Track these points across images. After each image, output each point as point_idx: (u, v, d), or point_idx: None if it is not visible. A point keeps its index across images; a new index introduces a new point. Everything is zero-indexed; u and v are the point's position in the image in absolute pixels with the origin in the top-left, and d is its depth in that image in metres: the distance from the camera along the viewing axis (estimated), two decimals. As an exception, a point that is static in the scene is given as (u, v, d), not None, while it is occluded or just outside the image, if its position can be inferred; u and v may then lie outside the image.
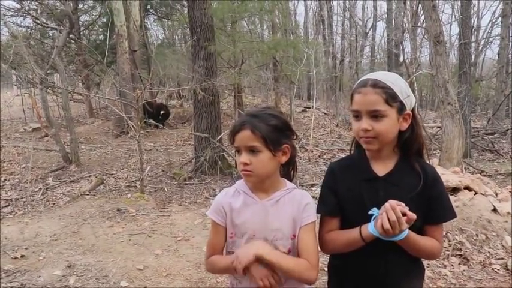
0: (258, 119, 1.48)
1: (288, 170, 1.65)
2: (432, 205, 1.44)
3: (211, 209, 1.61)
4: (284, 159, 1.54)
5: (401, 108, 1.42)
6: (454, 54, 19.67)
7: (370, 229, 1.37)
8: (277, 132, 1.49)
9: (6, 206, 6.45)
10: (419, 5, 10.28)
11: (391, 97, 1.40)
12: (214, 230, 1.61)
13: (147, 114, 12.41)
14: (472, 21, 16.47)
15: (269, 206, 1.54)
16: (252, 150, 1.46)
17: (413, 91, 7.67)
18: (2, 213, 6.02)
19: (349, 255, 1.51)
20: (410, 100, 1.45)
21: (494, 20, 20.28)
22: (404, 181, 1.44)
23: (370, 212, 1.38)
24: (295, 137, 1.59)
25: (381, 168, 1.50)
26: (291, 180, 1.65)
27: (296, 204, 1.56)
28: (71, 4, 13.79)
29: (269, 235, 1.53)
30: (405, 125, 1.45)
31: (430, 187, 1.44)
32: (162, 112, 13.86)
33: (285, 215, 1.54)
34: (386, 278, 1.50)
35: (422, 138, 1.50)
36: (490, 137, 11.48)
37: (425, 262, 3.85)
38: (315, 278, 1.51)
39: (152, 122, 11.60)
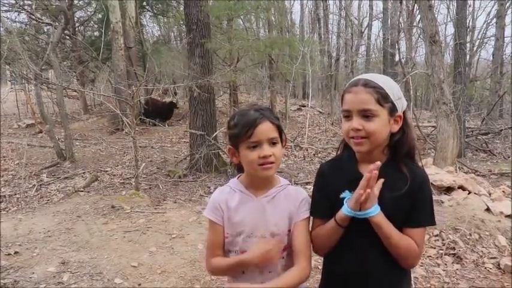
0: (267, 112, 1.50)
1: None
2: (414, 208, 1.44)
3: (207, 208, 1.60)
4: (283, 151, 1.57)
5: (392, 110, 1.42)
6: (449, 54, 19.72)
7: (344, 210, 1.41)
8: (281, 125, 1.53)
9: (-1, 202, 6.42)
10: (415, 5, 10.30)
11: (382, 97, 1.40)
12: (212, 229, 1.59)
13: (154, 113, 12.56)
14: (467, 21, 16.52)
15: (266, 202, 1.55)
16: (273, 142, 1.47)
17: (408, 91, 7.73)
18: (-5, 210, 6.00)
19: (337, 257, 1.55)
20: (401, 102, 1.46)
21: (489, 21, 20.34)
22: (389, 182, 1.41)
23: (341, 196, 1.42)
24: None
25: (368, 169, 1.48)
26: None
27: (292, 201, 1.57)
28: (66, 0, 13.70)
29: (267, 232, 1.54)
30: (396, 127, 1.45)
31: (415, 190, 1.43)
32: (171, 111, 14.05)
33: (282, 211, 1.55)
34: (370, 278, 1.51)
35: (414, 141, 1.50)
36: (484, 137, 11.53)
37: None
38: (310, 273, 1.56)
39: (155, 121, 11.62)
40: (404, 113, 1.48)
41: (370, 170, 1.34)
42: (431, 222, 1.47)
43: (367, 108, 1.39)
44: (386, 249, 1.43)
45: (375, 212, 1.38)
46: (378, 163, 1.34)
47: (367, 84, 1.41)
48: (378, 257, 1.47)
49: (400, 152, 1.47)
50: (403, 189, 1.41)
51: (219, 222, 1.57)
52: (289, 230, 1.56)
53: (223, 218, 1.57)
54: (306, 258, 1.53)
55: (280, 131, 1.50)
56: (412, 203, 1.43)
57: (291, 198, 1.57)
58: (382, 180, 1.38)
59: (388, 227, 1.40)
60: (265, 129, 1.45)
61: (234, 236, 1.56)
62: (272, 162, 1.46)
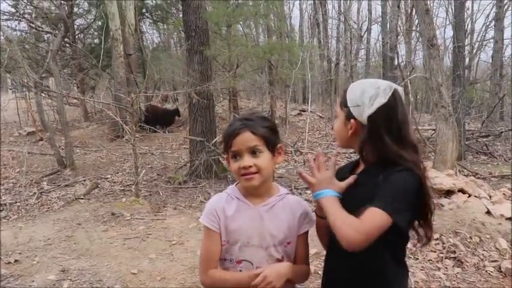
0: (253, 121, 1.49)
1: None
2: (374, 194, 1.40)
3: (204, 215, 1.57)
4: (280, 159, 1.56)
5: (348, 115, 1.49)
6: (449, 57, 19.75)
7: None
8: (272, 133, 1.51)
9: (0, 211, 6.41)
10: (413, 9, 10.33)
11: (343, 102, 1.52)
12: (208, 237, 1.56)
13: (154, 120, 12.65)
14: (466, 24, 16.58)
15: (264, 211, 1.54)
16: (254, 152, 1.45)
17: (406, 94, 7.65)
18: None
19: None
20: (359, 110, 1.46)
21: (488, 23, 20.40)
22: (364, 182, 1.47)
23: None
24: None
25: (358, 171, 1.55)
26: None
27: (291, 212, 1.57)
28: (66, 8, 13.78)
29: (263, 242, 1.53)
30: (350, 132, 1.49)
31: (382, 180, 1.40)
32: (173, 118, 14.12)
33: (280, 221, 1.55)
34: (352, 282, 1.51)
35: (383, 152, 1.43)
36: (484, 139, 11.51)
37: (419, 265, 3.88)
38: (309, 276, 1.68)
39: (155, 128, 11.68)
40: (370, 120, 1.44)
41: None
42: (385, 208, 1.32)
43: (335, 110, 1.60)
44: (373, 252, 1.39)
45: (322, 194, 1.44)
46: (318, 149, 1.46)
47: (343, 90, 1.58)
48: (360, 260, 1.45)
49: (367, 156, 1.48)
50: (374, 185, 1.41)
51: (216, 230, 1.54)
52: (288, 243, 1.57)
53: (220, 226, 1.54)
54: (307, 264, 1.64)
55: (266, 140, 1.47)
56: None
57: (291, 209, 1.57)
58: (353, 176, 1.50)
59: (332, 207, 1.39)
60: (244, 139, 1.45)
61: (230, 244, 1.55)
62: (255, 173, 1.46)
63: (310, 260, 1.71)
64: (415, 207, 1.41)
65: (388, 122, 1.42)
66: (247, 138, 1.45)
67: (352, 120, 1.47)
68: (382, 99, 1.43)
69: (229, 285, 1.53)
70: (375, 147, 1.45)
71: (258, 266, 1.53)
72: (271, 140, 1.50)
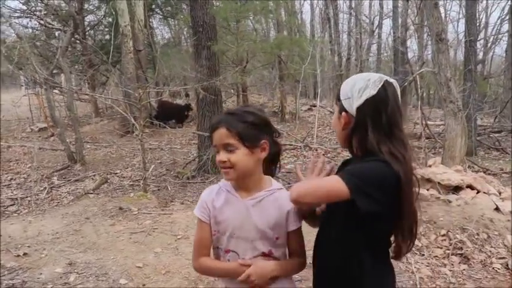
0: (234, 116, 1.51)
1: (269, 166, 1.66)
2: None
3: (197, 207, 1.65)
4: (263, 155, 1.55)
5: (340, 108, 1.49)
6: (462, 51, 19.48)
7: None
8: (254, 129, 1.51)
9: (11, 205, 6.51)
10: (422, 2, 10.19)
11: (337, 96, 1.51)
12: (200, 227, 1.64)
13: (166, 115, 12.69)
14: (481, 18, 16.33)
15: (251, 205, 1.57)
16: (228, 148, 1.48)
17: (416, 89, 7.56)
18: (7, 212, 6.10)
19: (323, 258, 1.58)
20: (349, 102, 1.45)
21: (503, 17, 20.00)
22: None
23: None
24: (277, 134, 1.61)
25: None
26: (273, 176, 1.67)
27: (279, 207, 1.58)
28: (75, 5, 13.88)
29: (249, 234, 1.57)
30: (341, 124, 1.48)
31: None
32: (186, 113, 14.15)
33: (268, 217, 1.57)
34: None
35: (364, 143, 1.42)
36: (496, 135, 11.35)
37: (425, 261, 3.85)
38: (304, 267, 1.68)
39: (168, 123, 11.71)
40: (359, 112, 1.43)
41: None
42: (345, 178, 1.31)
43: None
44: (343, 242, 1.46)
45: None
46: (322, 157, 1.59)
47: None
48: (335, 249, 1.50)
49: (354, 147, 1.49)
50: None
51: (206, 221, 1.61)
52: (277, 237, 1.59)
53: (210, 217, 1.61)
54: (302, 258, 1.65)
55: (241, 137, 1.47)
56: None
57: (279, 205, 1.58)
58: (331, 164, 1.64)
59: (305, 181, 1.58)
60: (220, 135, 1.49)
61: (221, 233, 1.60)
62: (230, 167, 1.49)
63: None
64: (386, 205, 1.32)
65: (377, 114, 1.39)
66: (221, 135, 1.49)
67: (343, 113, 1.47)
68: (371, 91, 1.41)
69: (217, 272, 1.68)
70: (359, 139, 1.44)
71: (243, 257, 1.58)
72: (250, 136, 1.49)
